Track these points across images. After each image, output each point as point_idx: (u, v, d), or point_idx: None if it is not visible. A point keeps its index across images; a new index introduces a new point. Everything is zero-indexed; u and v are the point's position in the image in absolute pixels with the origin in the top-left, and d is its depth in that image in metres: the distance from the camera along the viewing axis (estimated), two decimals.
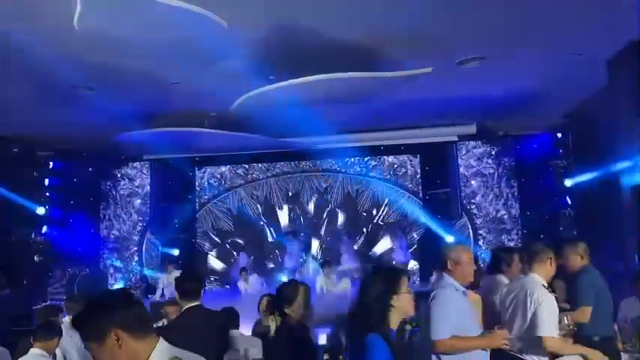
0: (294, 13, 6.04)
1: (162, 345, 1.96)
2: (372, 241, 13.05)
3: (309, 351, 3.32)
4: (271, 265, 13.10)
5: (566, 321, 3.80)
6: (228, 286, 12.48)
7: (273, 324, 5.50)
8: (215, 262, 13.33)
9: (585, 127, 9.56)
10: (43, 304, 9.77)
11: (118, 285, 12.82)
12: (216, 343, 3.76)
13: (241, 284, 10.98)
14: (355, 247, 12.36)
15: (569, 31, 6.69)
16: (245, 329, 5.96)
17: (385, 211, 13.02)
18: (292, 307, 3.27)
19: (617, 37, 6.83)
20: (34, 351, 4.01)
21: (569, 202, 10.95)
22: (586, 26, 6.55)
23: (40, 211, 11.37)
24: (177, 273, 11.09)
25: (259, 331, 5.95)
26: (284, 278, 11.96)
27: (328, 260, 11.04)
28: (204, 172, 13.68)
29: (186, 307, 3.82)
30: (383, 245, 12.95)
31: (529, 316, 3.66)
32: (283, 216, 13.41)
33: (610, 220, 8.20)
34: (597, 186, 8.92)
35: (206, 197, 13.60)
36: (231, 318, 4.72)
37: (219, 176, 13.66)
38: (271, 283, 10.92)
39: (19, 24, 5.96)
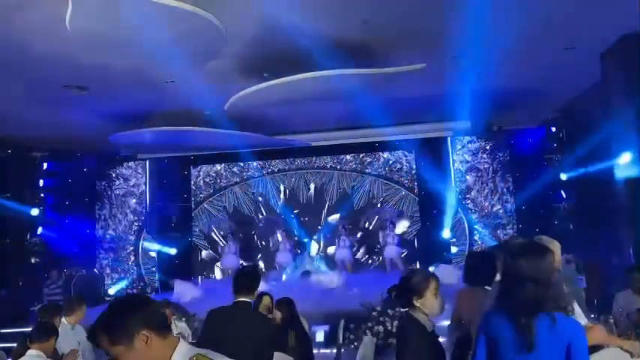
0: (287, 11, 6.03)
1: (183, 344, 1.97)
2: (366, 236, 13.07)
3: (440, 347, 3.17)
4: (263, 262, 13.09)
5: None
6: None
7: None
8: (210, 260, 13.31)
9: (579, 120, 9.59)
10: (39, 305, 9.75)
11: (116, 285, 12.81)
12: (254, 342, 3.73)
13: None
14: (350, 242, 12.33)
15: (561, 26, 6.71)
16: None
17: (380, 207, 13.04)
18: (422, 300, 3.02)
19: (608, 31, 6.85)
20: (32, 352, 3.98)
21: (564, 196, 11.00)
22: (578, 20, 6.56)
23: (35, 212, 11.33)
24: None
25: None
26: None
27: (321, 258, 11.05)
28: (199, 171, 13.66)
29: (237, 299, 3.87)
30: (377, 240, 12.96)
31: None
32: (278, 213, 13.41)
33: (604, 213, 8.23)
34: (591, 179, 8.96)
35: (202, 195, 13.59)
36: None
37: (214, 175, 13.65)
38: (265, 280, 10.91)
39: (11, 24, 5.93)
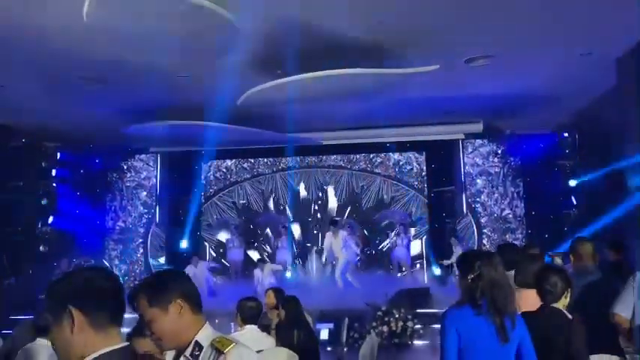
0: (303, 8, 6.04)
1: (208, 327, 2.07)
2: (375, 237, 13.05)
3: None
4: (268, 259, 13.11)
5: None
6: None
7: (276, 319, 5.53)
8: (219, 255, 13.37)
9: (592, 126, 9.53)
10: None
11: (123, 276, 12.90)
12: None
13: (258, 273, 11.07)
14: (355, 242, 12.30)
15: (577, 31, 6.67)
16: None
17: (389, 208, 13.02)
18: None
19: (625, 37, 6.80)
20: (41, 341, 3.97)
21: (575, 202, 10.93)
22: (595, 26, 6.53)
23: (46, 201, 11.44)
24: (202, 264, 11.51)
25: (263, 324, 5.98)
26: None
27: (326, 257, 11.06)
28: (210, 166, 13.72)
29: None
30: (386, 242, 12.95)
31: None
32: (287, 211, 13.43)
33: (615, 220, 8.18)
34: (603, 186, 8.90)
35: (212, 190, 13.65)
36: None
37: (224, 170, 13.71)
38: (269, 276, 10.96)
39: (28, 16, 6.00)
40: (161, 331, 2.00)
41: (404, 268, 12.08)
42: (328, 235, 11.26)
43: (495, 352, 2.68)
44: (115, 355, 1.58)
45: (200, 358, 1.99)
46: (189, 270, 11.20)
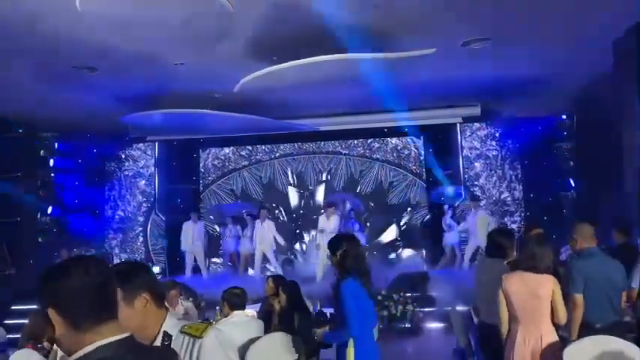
0: None
1: (171, 317, 2.09)
2: (373, 222, 13.08)
3: None
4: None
5: None
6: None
7: (278, 305, 5.58)
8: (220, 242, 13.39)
9: (590, 109, 9.52)
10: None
11: None
12: None
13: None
14: (360, 226, 12.33)
15: (575, 14, 6.64)
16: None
17: (388, 193, 13.04)
18: None
19: (622, 19, 6.77)
20: None
21: (573, 185, 10.96)
22: (592, 9, 6.49)
23: (45, 191, 11.44)
24: (200, 223, 11.84)
25: (264, 310, 6.02)
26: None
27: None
28: (208, 154, 13.71)
29: None
30: (384, 227, 12.99)
31: None
32: (286, 197, 13.44)
33: (613, 203, 8.20)
34: (601, 168, 8.91)
35: (210, 178, 13.66)
36: None
37: (223, 158, 13.70)
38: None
39: (21, 4, 5.95)
40: (125, 326, 1.86)
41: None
42: (322, 218, 10.87)
43: (370, 307, 3.78)
44: (110, 348, 1.51)
45: (172, 346, 1.99)
46: (188, 225, 11.58)
